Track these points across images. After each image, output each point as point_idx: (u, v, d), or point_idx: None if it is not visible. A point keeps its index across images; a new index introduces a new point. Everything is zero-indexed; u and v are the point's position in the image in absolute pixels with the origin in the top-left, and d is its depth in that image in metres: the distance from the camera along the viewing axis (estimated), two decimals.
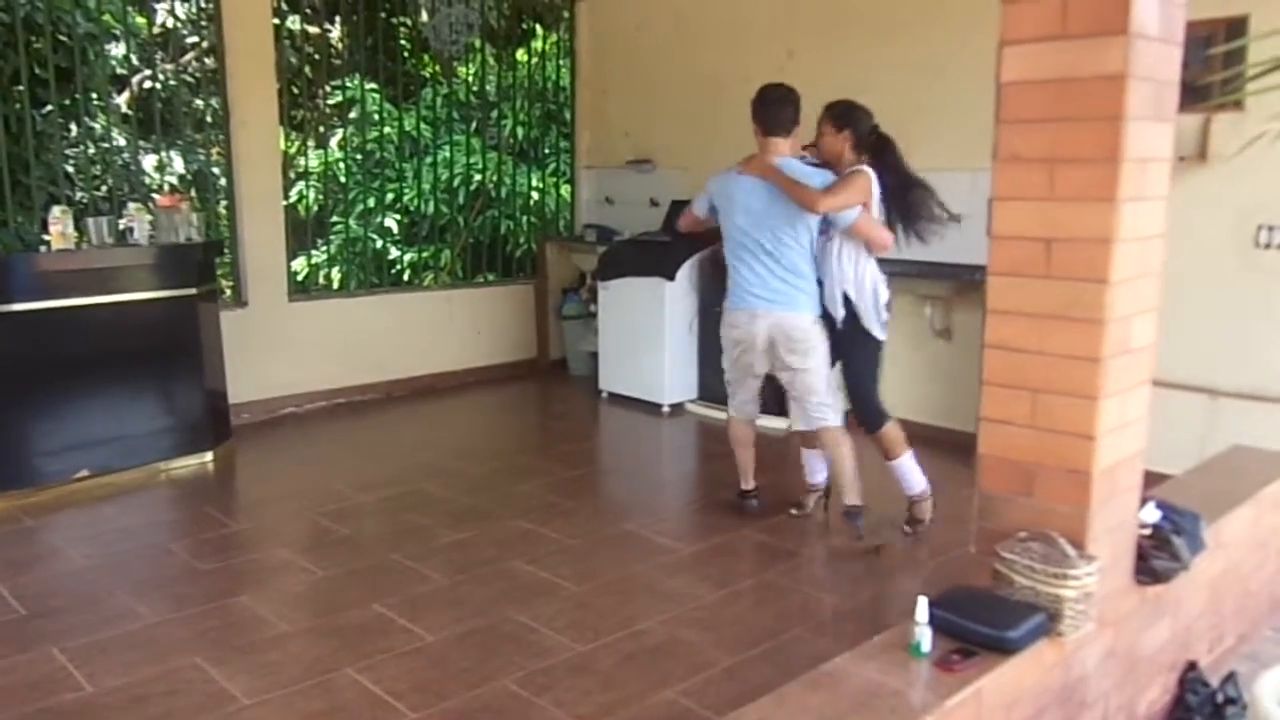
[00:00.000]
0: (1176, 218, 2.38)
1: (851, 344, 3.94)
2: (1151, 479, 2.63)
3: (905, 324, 5.44)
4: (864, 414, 4.00)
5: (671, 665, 2.97)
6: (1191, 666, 2.84)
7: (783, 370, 3.96)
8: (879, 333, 3.93)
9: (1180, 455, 3.76)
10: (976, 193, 5.00)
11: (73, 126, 6.83)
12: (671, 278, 5.82)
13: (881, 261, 5.46)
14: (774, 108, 3.91)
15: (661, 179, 6.69)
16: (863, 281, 3.89)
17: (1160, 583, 2.52)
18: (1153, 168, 2.22)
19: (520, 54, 7.57)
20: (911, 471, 4.03)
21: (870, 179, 3.84)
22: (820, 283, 3.94)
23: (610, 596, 3.46)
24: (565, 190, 7.66)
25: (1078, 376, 2.23)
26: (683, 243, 5.96)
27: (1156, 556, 2.51)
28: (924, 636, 2.12)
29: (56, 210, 4.50)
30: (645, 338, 5.99)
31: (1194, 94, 3.85)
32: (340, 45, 8.27)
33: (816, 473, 4.27)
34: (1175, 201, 2.36)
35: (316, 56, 7.44)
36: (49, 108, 6.23)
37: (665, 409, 5.98)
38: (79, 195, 6.54)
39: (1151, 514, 2.58)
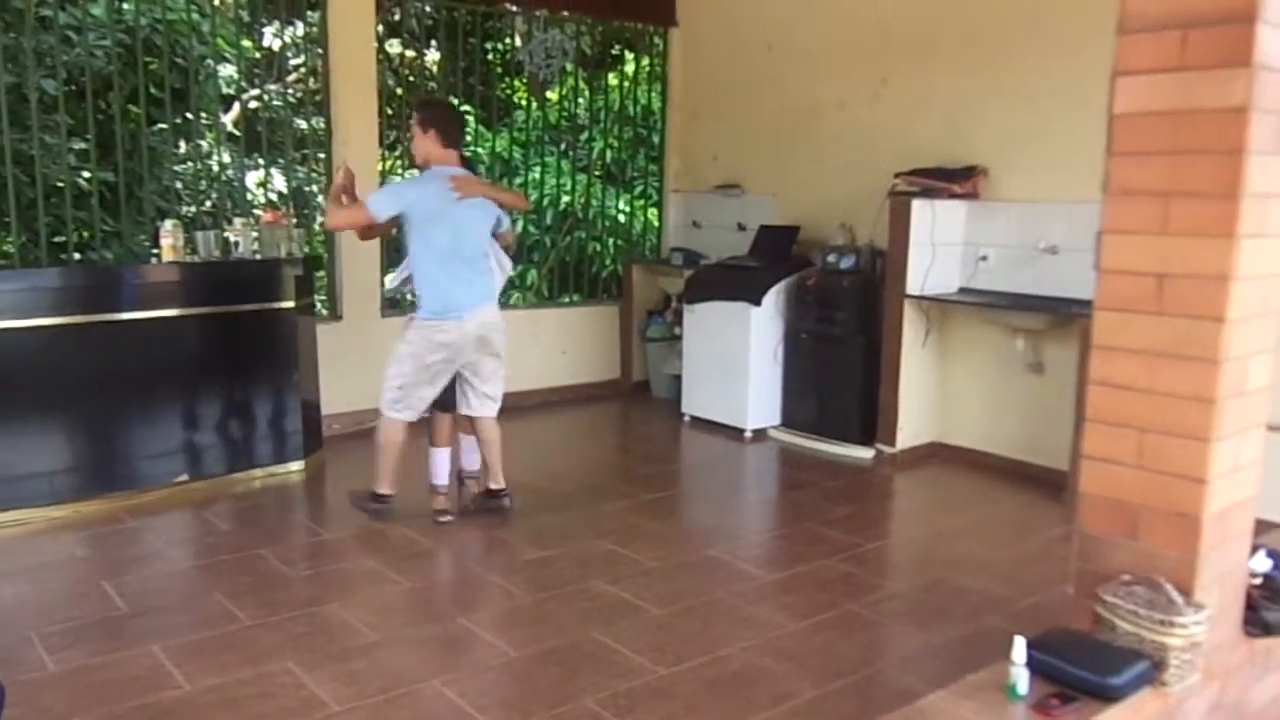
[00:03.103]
0: None
1: None
2: (1260, 526, 2.53)
3: (994, 356, 5.35)
4: None
5: (754, 693, 2.95)
6: None
7: (490, 358, 4.31)
8: None
9: None
10: (1073, 225, 4.93)
11: (181, 143, 7.12)
12: (758, 303, 5.81)
13: (970, 291, 5.46)
14: (462, 121, 4.34)
15: (750, 204, 6.69)
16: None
17: (1271, 635, 2.43)
18: (1274, 204, 2.16)
19: (611, 78, 7.66)
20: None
21: None
22: None
23: (692, 621, 3.45)
24: (652, 213, 7.71)
25: (1189, 417, 2.17)
26: (770, 268, 5.97)
27: (1268, 608, 2.42)
28: (1021, 678, 2.07)
29: (168, 224, 4.68)
30: (729, 362, 5.98)
31: None
32: (435, 68, 8.48)
33: (473, 459, 4.50)
34: None
35: (412, 79, 7.63)
36: (161, 125, 6.51)
37: (748, 434, 5.95)
38: (185, 210, 6.81)
39: (1262, 563, 2.49)
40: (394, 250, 7.05)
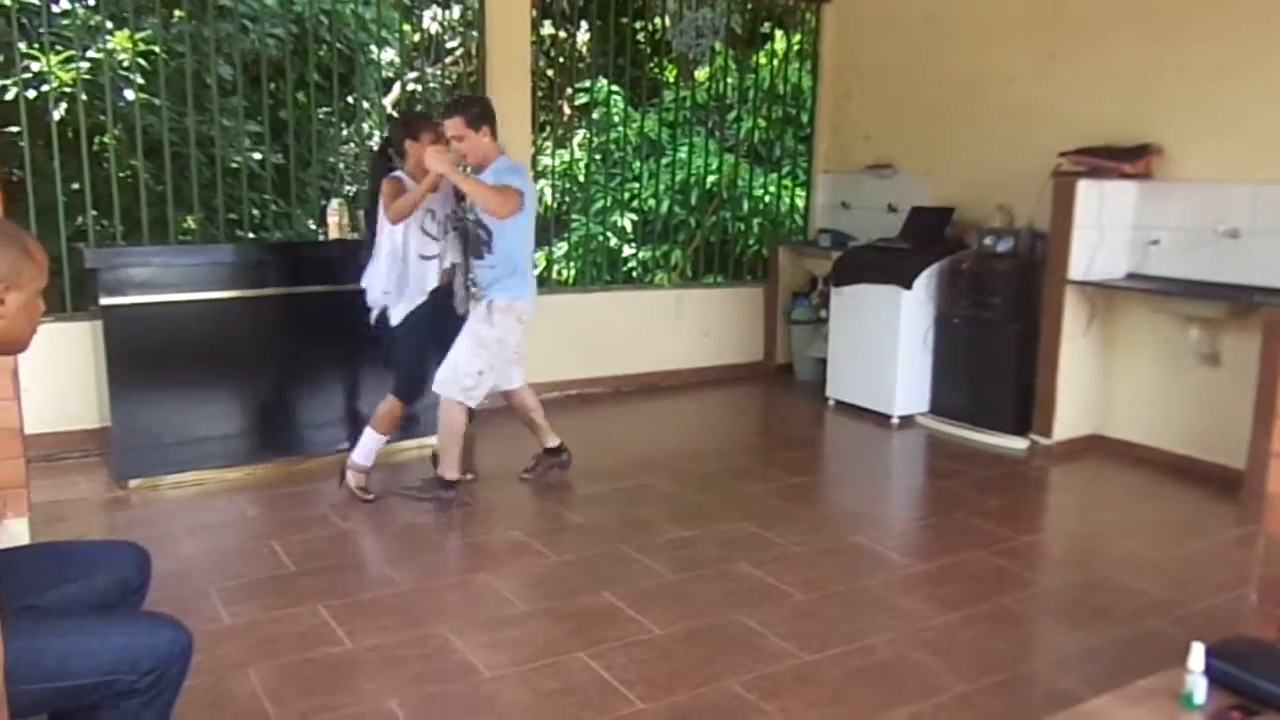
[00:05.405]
0: None
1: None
2: None
3: (1163, 346, 5.06)
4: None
5: (901, 685, 2.89)
6: None
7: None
8: None
9: None
10: (1258, 206, 4.62)
11: (345, 126, 7.43)
12: (909, 286, 5.66)
13: (1139, 277, 5.18)
14: None
15: (901, 184, 6.51)
16: None
17: None
18: None
19: (760, 57, 7.58)
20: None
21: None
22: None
23: (837, 608, 3.41)
24: (799, 194, 7.61)
25: None
26: (922, 251, 5.80)
27: None
28: (1198, 686, 1.96)
29: (335, 202, 4.89)
30: (877, 346, 5.86)
31: None
32: (584, 49, 8.57)
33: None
34: None
35: (562, 60, 7.74)
36: (326, 109, 6.79)
37: (894, 421, 5.82)
38: (347, 189, 7.11)
39: None
40: (540, 230, 7.19)
